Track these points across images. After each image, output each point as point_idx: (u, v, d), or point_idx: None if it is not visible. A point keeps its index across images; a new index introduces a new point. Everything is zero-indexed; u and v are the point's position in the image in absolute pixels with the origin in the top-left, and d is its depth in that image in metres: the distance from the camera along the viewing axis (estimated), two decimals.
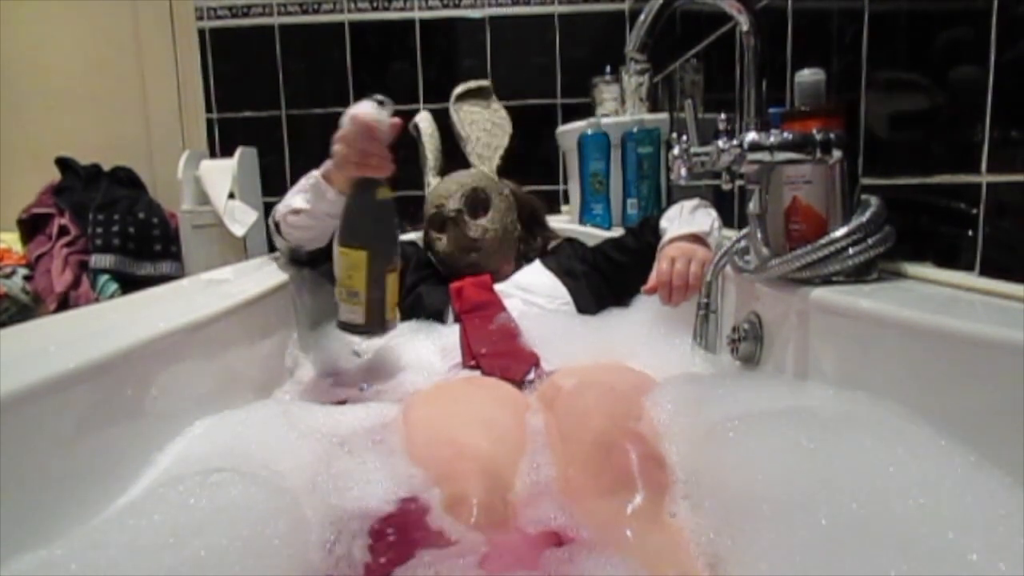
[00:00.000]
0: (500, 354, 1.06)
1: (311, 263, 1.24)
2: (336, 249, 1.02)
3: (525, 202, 1.46)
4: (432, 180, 1.49)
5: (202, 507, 0.54)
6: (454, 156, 1.53)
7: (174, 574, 0.48)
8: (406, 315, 1.25)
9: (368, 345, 1.16)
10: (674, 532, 0.60)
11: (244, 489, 0.58)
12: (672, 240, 1.11)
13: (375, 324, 1.04)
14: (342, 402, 0.97)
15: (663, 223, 1.20)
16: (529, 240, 1.45)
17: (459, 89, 1.57)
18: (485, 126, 1.53)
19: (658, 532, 0.60)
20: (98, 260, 2.10)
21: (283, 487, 0.63)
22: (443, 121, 1.56)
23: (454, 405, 0.89)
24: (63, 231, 2.18)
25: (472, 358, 1.07)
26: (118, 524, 0.54)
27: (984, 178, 0.69)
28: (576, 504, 0.66)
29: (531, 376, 1.03)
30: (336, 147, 1.00)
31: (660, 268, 1.06)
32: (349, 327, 1.05)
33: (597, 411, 0.79)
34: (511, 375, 1.01)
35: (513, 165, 1.59)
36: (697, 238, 1.10)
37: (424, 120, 1.52)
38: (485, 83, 1.57)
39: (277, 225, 1.17)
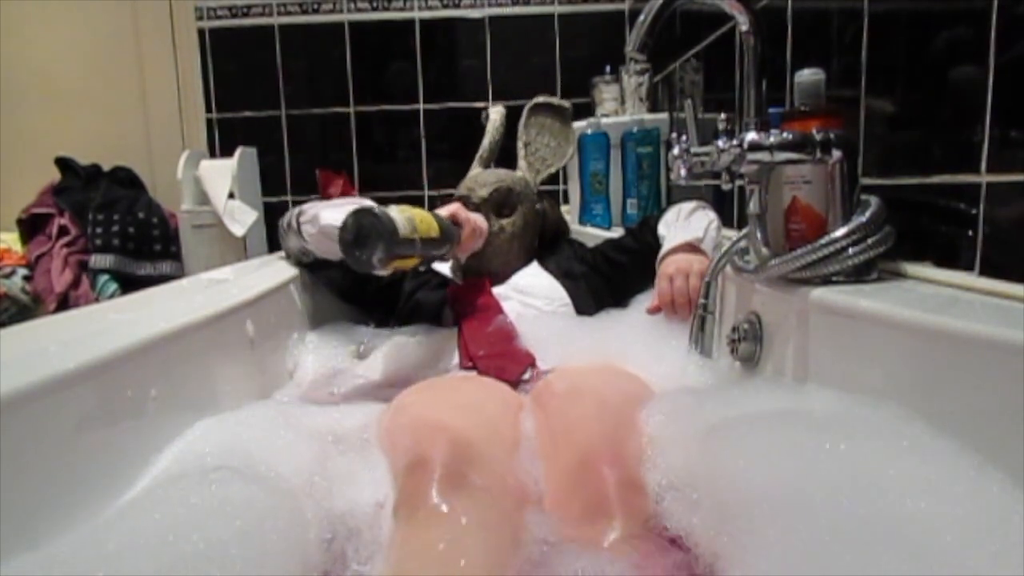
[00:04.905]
0: (496, 355, 1.06)
1: (313, 267, 1.23)
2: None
3: (554, 221, 1.42)
4: (475, 168, 1.44)
5: (202, 504, 0.55)
6: (508, 157, 1.46)
7: (175, 571, 0.48)
8: (404, 320, 1.24)
9: (368, 347, 1.16)
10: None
11: (244, 487, 0.58)
12: (669, 253, 1.11)
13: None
14: (340, 403, 0.97)
15: (661, 229, 1.20)
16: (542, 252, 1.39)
17: (539, 99, 1.49)
18: (550, 141, 1.47)
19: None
20: (98, 260, 2.11)
21: (282, 486, 0.63)
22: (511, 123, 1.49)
23: (443, 393, 0.89)
24: (63, 231, 2.18)
25: (469, 359, 1.07)
26: (118, 523, 0.54)
27: (984, 178, 0.69)
28: (556, 516, 0.67)
29: (527, 376, 1.03)
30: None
31: (660, 288, 1.08)
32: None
33: (582, 427, 0.78)
34: (506, 375, 1.01)
35: (512, 164, 1.56)
36: (693, 247, 1.10)
37: (496, 112, 1.49)
38: (566, 105, 1.48)
39: (298, 225, 1.16)
